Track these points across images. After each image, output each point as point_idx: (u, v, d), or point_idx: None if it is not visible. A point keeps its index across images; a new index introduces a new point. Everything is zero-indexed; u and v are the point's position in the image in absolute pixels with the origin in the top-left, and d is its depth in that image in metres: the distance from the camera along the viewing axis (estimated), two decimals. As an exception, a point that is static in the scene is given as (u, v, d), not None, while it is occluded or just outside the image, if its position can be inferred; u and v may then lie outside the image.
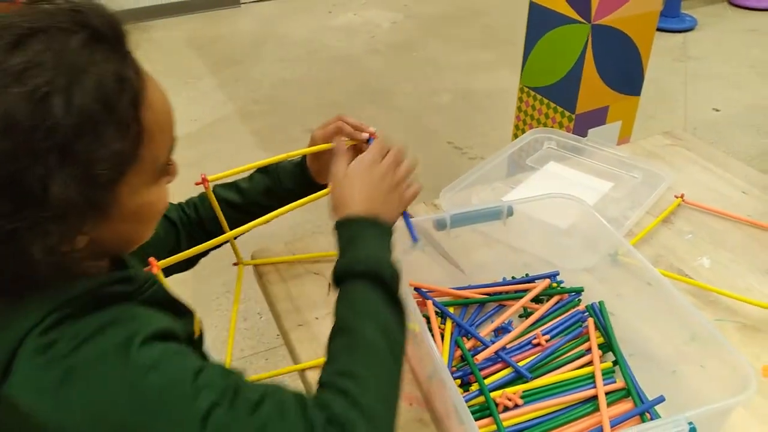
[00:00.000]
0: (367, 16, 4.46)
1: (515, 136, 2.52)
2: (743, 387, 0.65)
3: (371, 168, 0.70)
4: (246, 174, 0.91)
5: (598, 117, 2.27)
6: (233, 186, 0.91)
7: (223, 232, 0.86)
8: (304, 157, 0.89)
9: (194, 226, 0.89)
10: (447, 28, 4.25)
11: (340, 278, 0.63)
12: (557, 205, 0.95)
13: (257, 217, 0.85)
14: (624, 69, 2.17)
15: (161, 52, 3.94)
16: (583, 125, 2.23)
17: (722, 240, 1.07)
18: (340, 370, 0.55)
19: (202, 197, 0.90)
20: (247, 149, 2.93)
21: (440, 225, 0.90)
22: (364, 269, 0.61)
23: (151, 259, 0.67)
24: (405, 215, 0.82)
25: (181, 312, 0.63)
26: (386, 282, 0.61)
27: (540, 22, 2.16)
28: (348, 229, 0.66)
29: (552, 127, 2.30)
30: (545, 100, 2.29)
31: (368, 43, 4.03)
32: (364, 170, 0.70)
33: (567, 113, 2.23)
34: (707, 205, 1.14)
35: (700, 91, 3.34)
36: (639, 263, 0.82)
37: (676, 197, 1.16)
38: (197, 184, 0.84)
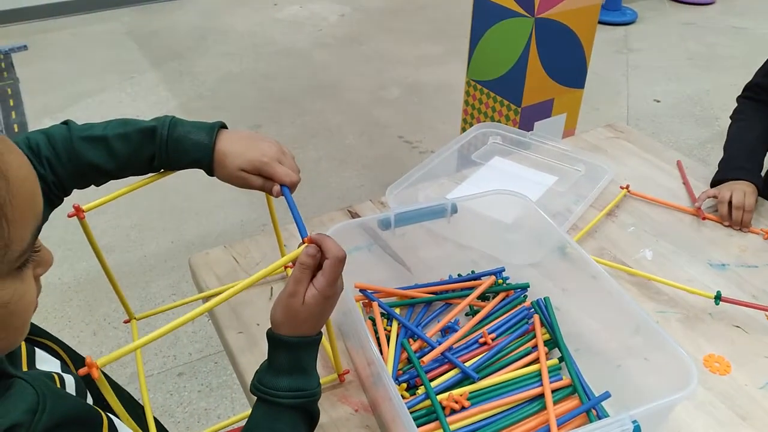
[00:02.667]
0: (314, 8, 4.40)
1: (463, 129, 2.52)
2: (686, 381, 0.66)
3: (331, 299, 0.65)
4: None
5: (543, 110, 2.29)
6: (103, 146, 0.74)
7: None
8: (212, 149, 0.75)
9: (50, 186, 0.73)
10: (395, 21, 4.23)
11: (277, 396, 0.62)
12: (502, 201, 0.94)
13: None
14: (568, 62, 2.19)
15: (101, 46, 3.78)
16: (529, 118, 2.25)
17: (664, 232, 1.09)
18: None
19: (52, 140, 0.73)
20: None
21: (384, 224, 0.88)
22: (302, 403, 0.63)
23: (89, 360, 0.50)
24: (293, 209, 0.73)
25: (90, 418, 0.53)
26: (314, 417, 0.67)
27: (484, 15, 2.16)
28: (296, 352, 0.64)
29: (499, 120, 2.31)
30: (492, 94, 2.30)
31: (315, 37, 3.97)
32: (324, 301, 0.64)
33: (513, 106, 2.24)
34: (650, 196, 1.16)
35: (641, 83, 3.43)
36: (583, 258, 0.82)
37: (622, 188, 1.18)
38: (70, 216, 0.72)
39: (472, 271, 0.96)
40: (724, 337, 0.89)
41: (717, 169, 1.19)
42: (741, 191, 1.09)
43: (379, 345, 0.81)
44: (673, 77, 3.48)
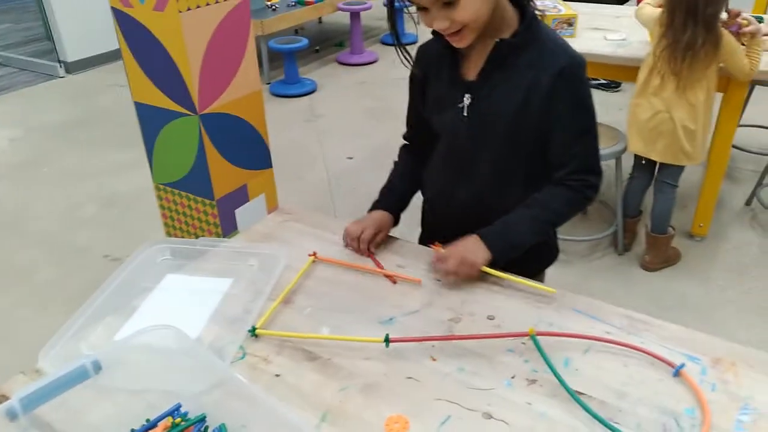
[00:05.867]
0: (-24, 138, 3.89)
1: (168, 234, 2.41)
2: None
3: None
4: None
5: (240, 197, 2.30)
6: None
7: None
8: None
9: None
10: (77, 134, 3.95)
11: None
12: (157, 338, 0.89)
13: None
14: (247, 147, 2.24)
15: None
16: (227, 208, 2.24)
17: (337, 305, 1.13)
18: None
19: None
20: None
21: (11, 415, 0.75)
22: None
23: None
24: None
25: None
26: None
27: (150, 120, 2.11)
28: None
29: (198, 216, 2.26)
30: (183, 193, 2.24)
31: (-17, 170, 3.51)
32: None
33: (208, 201, 2.21)
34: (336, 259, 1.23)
35: (333, 144, 3.70)
36: (238, 380, 0.81)
37: (310, 255, 1.24)
38: None
39: (147, 420, 0.88)
40: (401, 394, 0.94)
41: None
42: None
43: None
44: (359, 133, 3.83)
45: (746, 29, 2.24)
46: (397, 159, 1.45)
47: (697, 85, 2.26)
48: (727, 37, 2.21)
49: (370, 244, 1.27)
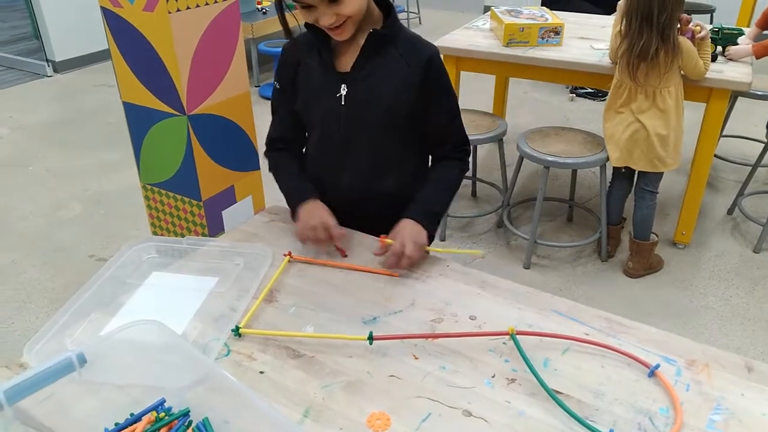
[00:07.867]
0: (-39, 136, 3.86)
1: (154, 233, 2.41)
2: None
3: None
4: None
5: (227, 198, 2.31)
6: None
7: None
8: None
9: None
10: (64, 134, 3.93)
11: None
12: (142, 332, 0.89)
13: None
14: (235, 149, 2.25)
15: None
16: (214, 209, 2.24)
17: (322, 302, 1.15)
18: None
19: None
20: None
21: (-6, 406, 0.76)
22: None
23: None
24: None
25: None
26: None
27: (138, 120, 2.12)
28: None
29: (185, 217, 2.27)
30: (171, 194, 2.24)
31: (-33, 168, 3.48)
32: None
33: (195, 202, 2.21)
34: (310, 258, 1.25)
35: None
36: (225, 377, 0.82)
37: (285, 255, 1.26)
38: None
39: (131, 414, 0.89)
40: (383, 391, 0.95)
41: None
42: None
43: None
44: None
45: (699, 35, 2.32)
46: (276, 165, 1.47)
47: (665, 91, 2.32)
48: (685, 42, 2.28)
49: (338, 240, 1.27)
